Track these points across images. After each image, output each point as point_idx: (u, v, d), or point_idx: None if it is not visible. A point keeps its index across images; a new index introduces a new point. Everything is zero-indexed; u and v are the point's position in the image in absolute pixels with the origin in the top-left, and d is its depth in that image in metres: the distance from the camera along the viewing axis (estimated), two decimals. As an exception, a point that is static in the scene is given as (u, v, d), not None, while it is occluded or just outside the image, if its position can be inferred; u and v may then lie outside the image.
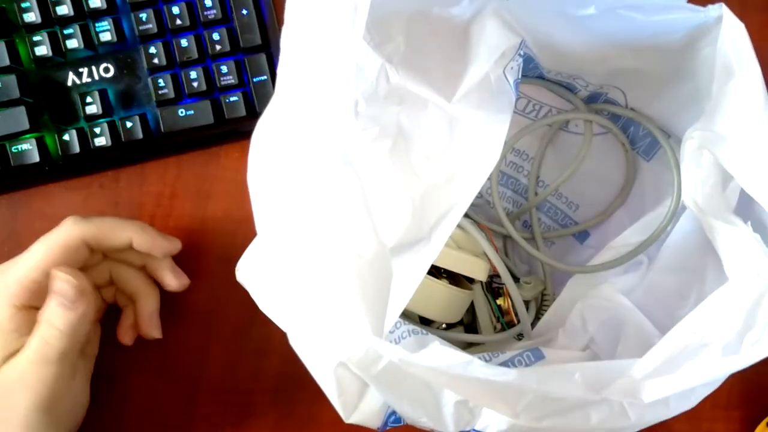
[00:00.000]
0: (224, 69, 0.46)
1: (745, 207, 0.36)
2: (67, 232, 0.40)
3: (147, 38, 0.46)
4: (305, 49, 0.30)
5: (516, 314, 0.44)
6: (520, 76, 0.39)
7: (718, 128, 0.33)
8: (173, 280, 0.44)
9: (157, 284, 0.45)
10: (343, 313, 0.29)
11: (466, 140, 0.37)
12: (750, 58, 0.32)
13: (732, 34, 0.33)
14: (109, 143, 0.46)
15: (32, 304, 0.39)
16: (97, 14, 0.46)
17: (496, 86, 0.37)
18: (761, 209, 0.34)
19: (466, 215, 0.43)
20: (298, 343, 0.31)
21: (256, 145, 0.31)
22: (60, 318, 0.37)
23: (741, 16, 0.44)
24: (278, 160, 0.31)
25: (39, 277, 0.39)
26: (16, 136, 0.46)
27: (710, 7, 0.34)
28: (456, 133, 0.37)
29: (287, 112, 0.31)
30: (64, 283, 0.37)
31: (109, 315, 0.45)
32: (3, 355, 0.38)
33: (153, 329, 0.44)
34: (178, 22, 0.46)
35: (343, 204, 0.31)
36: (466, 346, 0.44)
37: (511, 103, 0.38)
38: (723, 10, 0.33)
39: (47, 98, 0.47)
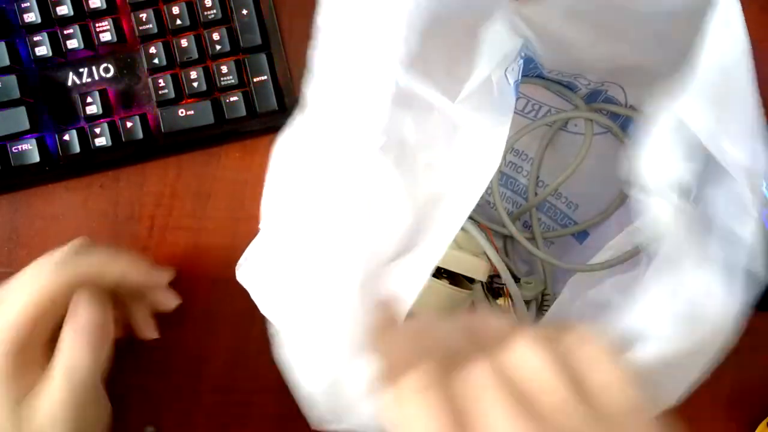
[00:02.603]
0: (224, 69, 0.46)
1: (716, 179, 0.36)
2: (51, 283, 0.37)
3: (147, 38, 0.46)
4: (338, 69, 0.31)
5: (516, 314, 0.44)
6: (520, 77, 0.39)
7: (697, 102, 0.33)
8: (165, 301, 0.43)
9: None
10: (335, 326, 0.29)
11: (467, 145, 0.37)
12: (739, 34, 0.32)
13: (725, 11, 0.32)
14: (110, 143, 0.46)
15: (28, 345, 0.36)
16: (97, 14, 0.46)
17: (498, 88, 0.37)
18: (732, 181, 0.35)
19: (467, 215, 0.44)
20: (286, 349, 0.31)
21: (279, 148, 0.32)
22: (85, 354, 0.35)
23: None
24: (295, 165, 0.31)
25: (26, 332, 0.36)
26: (17, 136, 0.46)
27: None
28: (458, 137, 0.37)
29: (313, 127, 0.31)
30: (88, 319, 0.35)
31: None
32: (15, 397, 0.36)
33: (148, 332, 0.43)
34: (178, 22, 0.46)
35: (346, 210, 0.31)
36: (466, 346, 0.44)
37: (511, 106, 0.38)
38: None
39: (47, 98, 0.47)
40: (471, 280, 0.45)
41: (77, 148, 0.46)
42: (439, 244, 0.35)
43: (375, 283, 0.32)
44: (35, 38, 0.46)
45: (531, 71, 0.44)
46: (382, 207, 0.33)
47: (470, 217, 0.46)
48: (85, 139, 0.46)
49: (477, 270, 0.42)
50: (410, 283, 0.33)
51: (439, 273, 0.43)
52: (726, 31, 0.32)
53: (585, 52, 0.40)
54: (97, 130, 0.46)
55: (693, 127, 0.33)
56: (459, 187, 0.36)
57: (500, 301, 0.45)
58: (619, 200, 0.46)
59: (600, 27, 0.37)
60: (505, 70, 0.37)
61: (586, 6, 0.36)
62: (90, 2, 0.46)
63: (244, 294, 0.34)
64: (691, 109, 0.33)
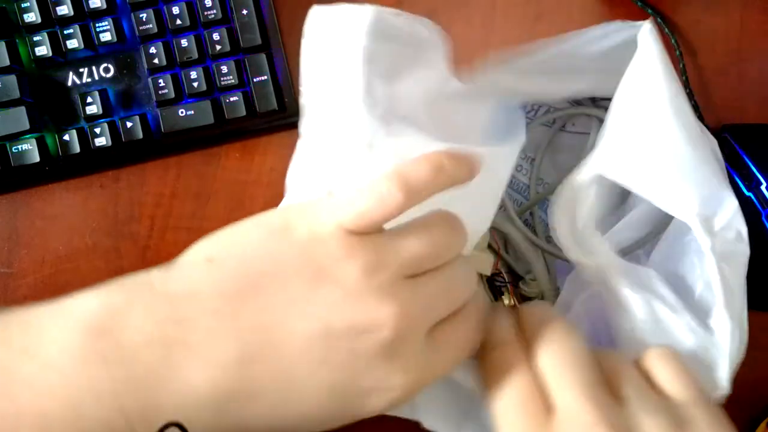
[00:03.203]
0: (224, 69, 0.46)
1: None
2: None
3: (147, 38, 0.46)
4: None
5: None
6: None
7: (612, 153, 0.33)
8: None
9: None
10: None
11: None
12: (657, 78, 0.31)
13: (642, 58, 0.32)
14: (109, 143, 0.46)
15: None
16: (97, 14, 0.46)
17: (504, 116, 0.37)
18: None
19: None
20: None
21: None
22: None
23: (741, 17, 0.45)
24: None
25: None
26: (17, 136, 0.46)
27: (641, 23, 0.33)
28: None
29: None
30: None
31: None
32: None
33: None
34: (179, 22, 0.46)
35: None
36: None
37: (521, 128, 0.38)
38: (643, 30, 0.32)
39: (47, 98, 0.47)
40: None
41: (77, 148, 0.46)
42: None
43: None
44: (35, 38, 0.46)
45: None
46: None
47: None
48: (85, 139, 0.46)
49: (482, 264, 0.42)
50: None
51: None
52: (641, 79, 0.31)
53: (550, 95, 0.40)
54: (97, 130, 0.46)
55: (613, 177, 0.33)
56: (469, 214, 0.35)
57: (505, 299, 0.45)
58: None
59: (555, 76, 0.37)
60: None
61: (532, 64, 0.36)
62: (90, 2, 0.46)
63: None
64: (607, 161, 0.33)
